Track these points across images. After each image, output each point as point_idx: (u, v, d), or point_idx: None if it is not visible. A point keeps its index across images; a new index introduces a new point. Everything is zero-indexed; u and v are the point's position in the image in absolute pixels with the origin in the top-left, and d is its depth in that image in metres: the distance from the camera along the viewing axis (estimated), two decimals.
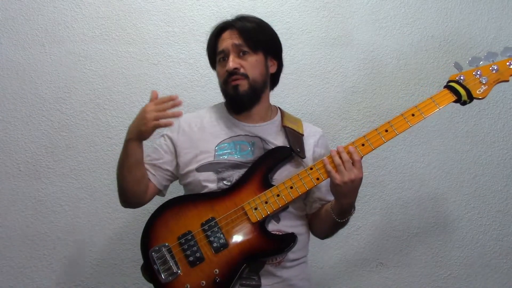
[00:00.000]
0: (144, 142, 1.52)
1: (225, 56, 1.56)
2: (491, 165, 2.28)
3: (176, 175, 1.62)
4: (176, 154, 1.58)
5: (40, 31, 2.11)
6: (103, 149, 2.10)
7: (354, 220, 2.20)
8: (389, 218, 2.23)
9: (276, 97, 2.18)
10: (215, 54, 1.61)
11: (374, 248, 2.21)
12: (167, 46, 2.17)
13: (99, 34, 2.14)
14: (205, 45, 2.15)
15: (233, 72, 1.53)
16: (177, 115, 1.44)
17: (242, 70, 1.53)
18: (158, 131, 1.49)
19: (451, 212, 2.25)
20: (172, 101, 1.44)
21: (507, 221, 2.27)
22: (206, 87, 2.17)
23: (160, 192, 1.63)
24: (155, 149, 1.61)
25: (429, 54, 2.29)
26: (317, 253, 2.16)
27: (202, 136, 1.58)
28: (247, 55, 1.55)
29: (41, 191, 2.07)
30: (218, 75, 1.61)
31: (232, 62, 1.53)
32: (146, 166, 1.57)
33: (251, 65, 1.55)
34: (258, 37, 1.58)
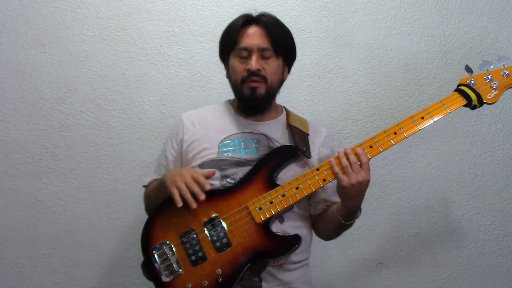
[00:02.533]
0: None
1: (248, 53, 1.51)
2: (491, 165, 2.28)
3: None
4: (181, 157, 1.58)
5: (40, 31, 2.11)
6: (103, 149, 2.10)
7: None
8: (389, 218, 2.23)
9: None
10: (232, 47, 1.54)
11: (374, 248, 2.21)
12: (167, 46, 2.17)
13: (99, 34, 2.14)
14: (205, 45, 2.17)
15: (255, 73, 1.49)
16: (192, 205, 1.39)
17: (263, 73, 1.50)
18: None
19: (451, 212, 2.25)
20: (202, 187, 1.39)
21: (507, 221, 2.27)
22: (206, 87, 2.17)
23: None
24: (163, 166, 1.61)
25: (429, 54, 2.29)
26: (317, 253, 2.15)
27: (205, 132, 1.56)
28: (270, 59, 1.52)
29: (41, 191, 2.06)
30: (234, 71, 1.54)
31: (256, 63, 1.48)
32: None
33: (272, 69, 1.53)
34: (285, 44, 1.57)
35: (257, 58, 1.50)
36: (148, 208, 1.64)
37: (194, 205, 1.37)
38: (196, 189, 1.37)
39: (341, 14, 2.27)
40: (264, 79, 1.50)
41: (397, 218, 2.23)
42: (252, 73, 1.49)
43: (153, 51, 2.16)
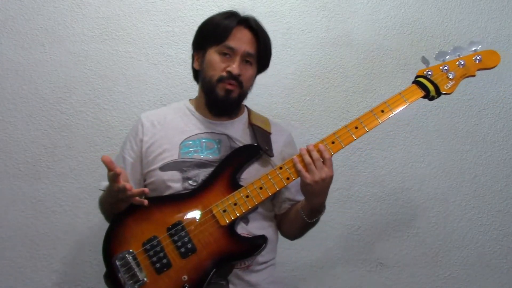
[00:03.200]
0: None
1: (232, 54, 1.49)
2: (491, 165, 2.28)
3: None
4: (141, 159, 1.53)
5: (40, 31, 2.11)
6: (103, 149, 2.10)
7: (354, 220, 2.20)
8: (389, 218, 2.23)
9: (275, 97, 2.19)
10: (218, 41, 1.49)
11: (374, 248, 2.21)
12: (167, 46, 2.17)
13: (99, 34, 2.14)
14: None
15: (234, 77, 1.47)
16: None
17: (240, 78, 1.49)
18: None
19: (451, 212, 2.25)
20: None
21: (507, 221, 2.27)
22: None
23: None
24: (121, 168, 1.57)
25: (429, 54, 2.28)
26: (317, 253, 2.16)
27: (165, 133, 1.53)
28: (249, 65, 1.52)
29: (41, 191, 2.06)
30: (212, 67, 1.50)
31: (238, 68, 1.47)
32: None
33: (249, 76, 1.53)
34: (267, 55, 1.57)
35: (240, 63, 1.48)
36: (105, 216, 1.58)
37: (119, 170, 1.31)
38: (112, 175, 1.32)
39: (341, 14, 2.27)
40: (240, 84, 1.49)
41: (397, 218, 2.23)
42: (231, 76, 1.47)
43: (153, 51, 2.16)
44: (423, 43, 2.29)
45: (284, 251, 2.10)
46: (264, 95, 2.18)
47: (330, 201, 2.14)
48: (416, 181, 2.25)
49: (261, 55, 1.54)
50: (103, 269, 2.05)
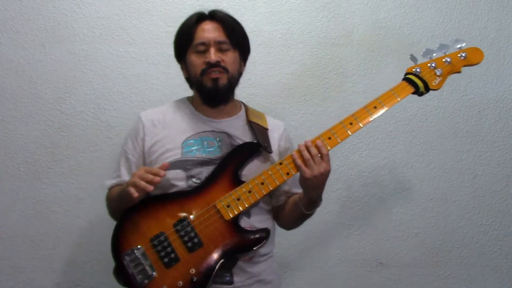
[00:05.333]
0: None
1: (206, 47, 1.53)
2: (491, 165, 2.28)
3: None
4: (144, 157, 1.56)
5: (40, 31, 2.11)
6: (103, 149, 2.10)
7: (354, 220, 2.20)
8: (389, 218, 2.23)
9: (275, 97, 2.19)
10: (189, 44, 1.55)
11: (374, 248, 2.21)
12: (167, 46, 2.16)
13: (99, 34, 2.14)
14: None
15: (214, 65, 1.51)
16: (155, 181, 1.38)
17: (223, 64, 1.52)
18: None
19: (451, 212, 2.25)
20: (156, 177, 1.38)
21: (507, 221, 2.27)
22: None
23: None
24: (125, 168, 1.58)
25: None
26: (317, 253, 2.16)
27: (167, 133, 1.56)
28: (228, 51, 1.55)
29: (41, 191, 2.06)
30: (193, 66, 1.55)
31: (215, 55, 1.51)
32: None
33: (231, 60, 1.55)
34: (239, 35, 1.59)
35: (215, 50, 1.52)
36: (112, 214, 1.61)
37: (149, 188, 1.36)
38: (150, 177, 1.36)
39: (341, 14, 2.27)
40: (225, 69, 1.53)
41: (397, 218, 2.23)
42: (211, 65, 1.51)
43: (153, 51, 2.16)
44: (423, 43, 2.29)
45: (284, 251, 2.10)
46: (264, 95, 2.18)
47: (330, 201, 2.16)
48: (416, 181, 2.25)
49: (234, 39, 1.56)
50: (103, 269, 2.06)
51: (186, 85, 2.15)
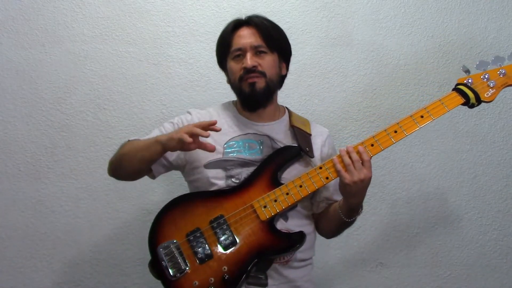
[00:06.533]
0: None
1: (242, 53, 1.55)
2: (491, 165, 2.28)
3: (172, 167, 1.60)
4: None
5: (40, 31, 2.11)
6: (103, 149, 2.10)
7: None
8: (389, 218, 2.23)
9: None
10: (227, 51, 1.59)
11: (374, 248, 2.21)
12: (167, 46, 2.17)
13: (99, 34, 2.14)
14: (205, 45, 2.17)
15: (251, 70, 1.52)
16: (210, 148, 1.42)
17: (260, 68, 1.53)
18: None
19: (451, 212, 2.25)
20: (212, 125, 1.41)
21: (507, 221, 2.27)
22: (206, 87, 2.17)
23: (152, 175, 1.61)
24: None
25: (429, 54, 2.29)
26: (317, 253, 2.15)
27: (211, 133, 1.57)
28: (264, 54, 1.56)
29: (41, 191, 2.06)
30: (232, 72, 1.58)
31: (251, 60, 1.52)
32: None
33: (269, 64, 1.56)
34: (276, 38, 1.59)
35: (252, 55, 1.54)
36: (119, 164, 1.57)
37: (206, 133, 1.37)
38: (199, 130, 1.37)
39: (341, 14, 2.27)
40: (262, 73, 1.54)
41: (397, 218, 2.23)
42: (248, 70, 1.53)
43: (153, 51, 2.16)
44: (423, 43, 2.29)
45: None
46: None
47: None
48: (416, 181, 2.25)
49: (272, 41, 1.57)
50: (103, 269, 2.07)
51: (185, 85, 2.17)
